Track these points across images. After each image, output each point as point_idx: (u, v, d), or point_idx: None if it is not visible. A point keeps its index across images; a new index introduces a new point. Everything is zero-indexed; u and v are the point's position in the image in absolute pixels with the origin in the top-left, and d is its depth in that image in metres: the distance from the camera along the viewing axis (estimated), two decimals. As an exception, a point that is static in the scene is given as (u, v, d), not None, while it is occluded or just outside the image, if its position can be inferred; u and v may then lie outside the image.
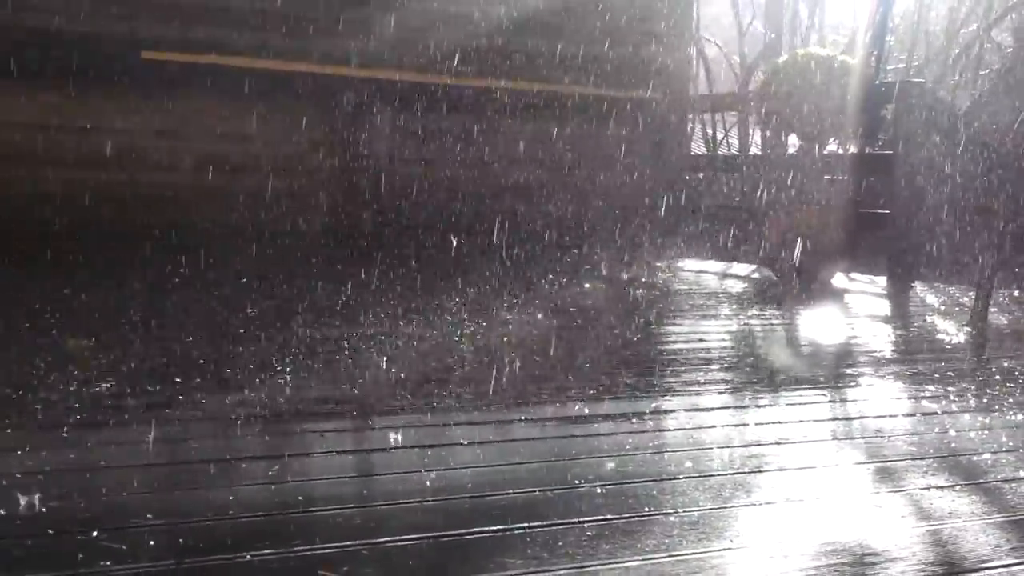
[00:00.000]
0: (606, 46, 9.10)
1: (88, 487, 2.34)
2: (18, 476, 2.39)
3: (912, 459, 2.86)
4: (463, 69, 8.45)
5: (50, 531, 2.05)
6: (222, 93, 7.76)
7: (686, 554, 2.05)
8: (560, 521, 2.20)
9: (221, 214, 7.84)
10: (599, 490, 2.44)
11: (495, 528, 2.15)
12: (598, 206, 9.15)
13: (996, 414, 3.51)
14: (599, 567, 1.96)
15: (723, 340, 5.01)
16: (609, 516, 2.25)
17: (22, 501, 2.22)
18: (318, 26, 8.11)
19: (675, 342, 4.93)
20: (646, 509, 2.32)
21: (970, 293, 6.93)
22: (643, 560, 2.01)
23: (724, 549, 2.09)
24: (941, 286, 7.46)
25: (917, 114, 7.51)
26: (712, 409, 3.47)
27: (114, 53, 7.49)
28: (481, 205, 8.71)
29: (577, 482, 2.50)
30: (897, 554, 2.09)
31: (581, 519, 2.22)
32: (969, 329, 5.56)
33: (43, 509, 2.18)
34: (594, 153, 9.24)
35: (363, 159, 8.37)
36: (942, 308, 6.56)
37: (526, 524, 2.18)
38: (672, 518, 2.27)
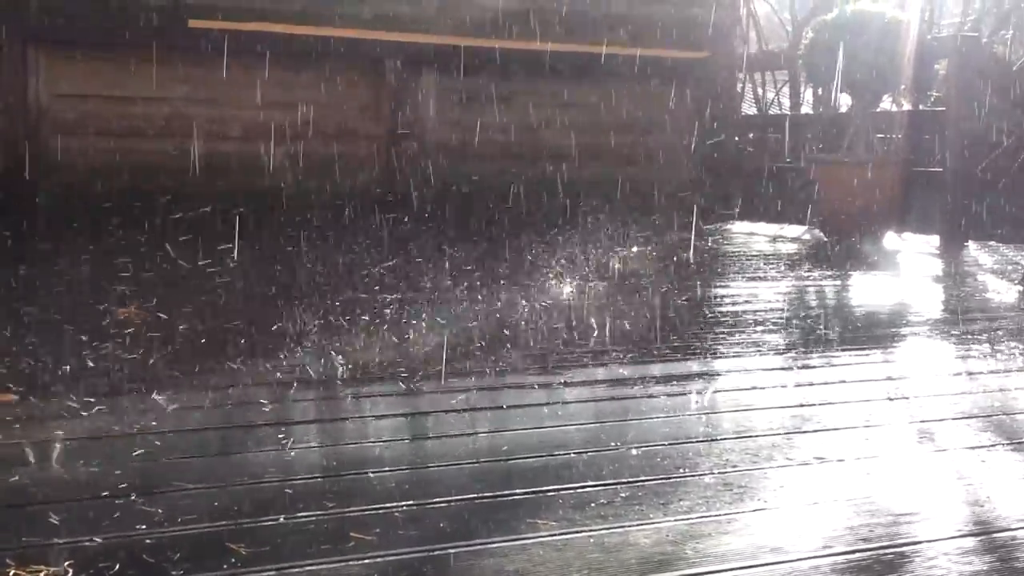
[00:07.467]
0: (654, 5, 9.01)
1: (129, 452, 2.38)
2: (62, 441, 2.45)
3: (955, 419, 2.84)
4: (506, 31, 8.41)
5: (87, 495, 2.09)
6: (268, 60, 7.77)
7: (718, 515, 2.05)
8: (595, 483, 2.21)
9: (267, 181, 7.87)
10: (635, 451, 2.44)
11: (529, 490, 2.16)
12: (646, 169, 9.09)
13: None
14: (630, 527, 1.97)
15: (772, 302, 4.98)
16: (644, 478, 2.26)
17: (61, 465, 2.27)
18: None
19: (724, 304, 4.91)
20: (682, 471, 2.32)
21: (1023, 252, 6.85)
22: (675, 521, 2.01)
23: (757, 509, 2.09)
24: (994, 245, 7.35)
25: (971, 70, 7.38)
26: (757, 370, 3.45)
27: (160, 21, 7.51)
28: (526, 169, 8.68)
29: (615, 444, 2.50)
30: (931, 514, 2.08)
31: (616, 480, 2.23)
32: (1020, 288, 5.48)
33: (81, 474, 2.23)
34: (642, 114, 9.16)
35: (409, 124, 8.37)
36: (994, 267, 6.47)
37: (560, 486, 2.19)
38: (707, 479, 2.27)
